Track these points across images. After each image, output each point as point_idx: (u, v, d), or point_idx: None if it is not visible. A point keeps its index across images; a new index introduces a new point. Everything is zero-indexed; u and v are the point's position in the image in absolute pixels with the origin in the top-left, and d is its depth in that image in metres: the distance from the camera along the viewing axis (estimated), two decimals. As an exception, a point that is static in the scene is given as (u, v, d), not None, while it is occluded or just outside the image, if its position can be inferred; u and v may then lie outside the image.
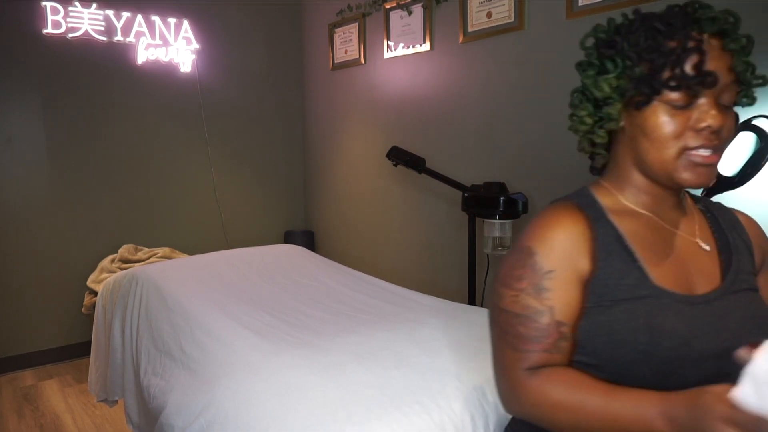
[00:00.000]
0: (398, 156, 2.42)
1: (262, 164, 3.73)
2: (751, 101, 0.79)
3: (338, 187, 3.63)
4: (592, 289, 0.79)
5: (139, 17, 3.13)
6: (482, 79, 2.60)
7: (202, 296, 1.75)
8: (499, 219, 2.18)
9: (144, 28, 3.16)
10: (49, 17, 2.87)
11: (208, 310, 1.63)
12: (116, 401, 2.02)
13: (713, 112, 0.75)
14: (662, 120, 0.77)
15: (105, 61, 3.07)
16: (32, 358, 3.00)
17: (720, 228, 0.87)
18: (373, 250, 3.38)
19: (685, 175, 0.78)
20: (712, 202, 0.92)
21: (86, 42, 3.00)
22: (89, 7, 2.97)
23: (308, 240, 3.80)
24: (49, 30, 2.88)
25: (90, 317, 2.62)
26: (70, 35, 2.94)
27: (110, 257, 3.07)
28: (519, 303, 0.79)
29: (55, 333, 3.05)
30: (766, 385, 0.59)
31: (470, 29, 2.60)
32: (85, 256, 3.08)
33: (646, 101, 0.78)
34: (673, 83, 0.75)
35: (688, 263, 0.81)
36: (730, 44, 0.76)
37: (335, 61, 3.51)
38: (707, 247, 0.83)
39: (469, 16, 2.60)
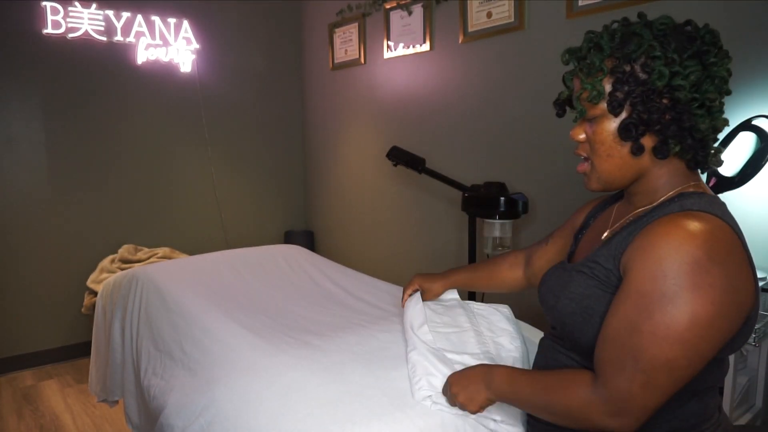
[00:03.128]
0: (398, 156, 2.42)
1: (262, 164, 3.73)
2: (580, 116, 0.90)
3: (338, 187, 3.63)
4: None
5: (139, 17, 3.13)
6: (482, 79, 2.60)
7: (202, 296, 1.75)
8: (499, 219, 2.18)
9: (144, 28, 3.16)
10: (49, 17, 2.87)
11: (208, 311, 1.63)
12: (116, 401, 2.02)
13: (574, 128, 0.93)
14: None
15: (105, 61, 3.07)
16: (32, 358, 3.00)
17: (625, 229, 0.89)
18: (373, 250, 3.38)
19: None
20: (668, 211, 0.83)
21: (86, 42, 3.00)
22: (89, 7, 2.97)
23: (308, 240, 3.80)
24: (49, 30, 2.88)
25: (90, 317, 2.62)
26: (70, 35, 2.94)
27: (110, 257, 3.07)
28: None
29: (55, 333, 3.05)
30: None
31: (470, 29, 2.61)
32: (85, 256, 3.08)
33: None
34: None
35: (593, 244, 0.98)
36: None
37: (335, 61, 3.51)
38: (603, 238, 0.96)
39: (469, 16, 2.60)
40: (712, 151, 0.86)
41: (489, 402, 0.98)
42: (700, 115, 0.81)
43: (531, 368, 1.12)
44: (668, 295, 0.73)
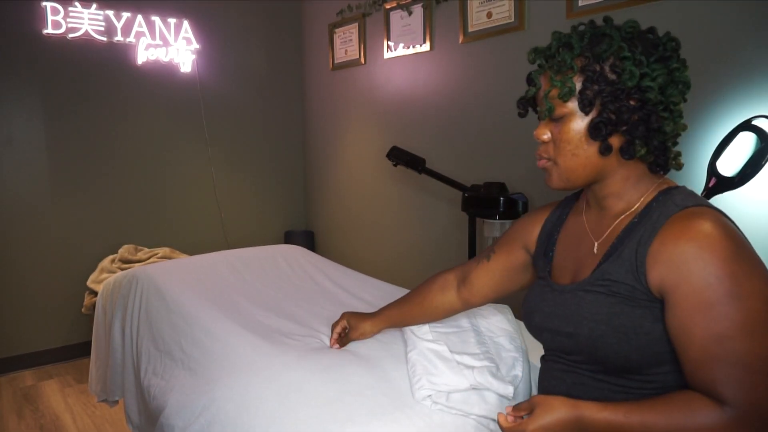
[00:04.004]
0: (398, 156, 2.42)
1: (262, 164, 3.73)
2: (547, 114, 0.89)
3: (338, 187, 3.63)
4: (532, 263, 1.09)
5: (139, 17, 3.13)
6: (482, 79, 2.60)
7: (202, 297, 1.75)
8: (499, 219, 2.18)
9: (144, 29, 3.16)
10: (49, 17, 2.87)
11: (208, 311, 1.63)
12: (116, 401, 2.02)
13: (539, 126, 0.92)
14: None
15: (105, 62, 3.07)
16: (32, 358, 3.00)
17: (626, 237, 0.87)
18: (373, 250, 3.38)
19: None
20: (668, 212, 0.83)
21: (86, 42, 3.00)
22: (89, 7, 2.97)
23: (308, 240, 3.80)
24: (49, 30, 2.88)
25: (90, 317, 2.62)
26: (70, 35, 2.94)
27: (110, 257, 3.07)
28: None
29: (55, 333, 3.05)
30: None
31: (470, 29, 2.61)
32: (85, 256, 3.08)
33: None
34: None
35: (581, 259, 0.95)
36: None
37: (335, 61, 3.51)
38: (596, 251, 0.92)
39: (469, 16, 2.60)
40: (672, 155, 0.88)
41: None
42: (666, 117, 0.84)
43: (537, 387, 1.07)
44: (731, 292, 0.74)
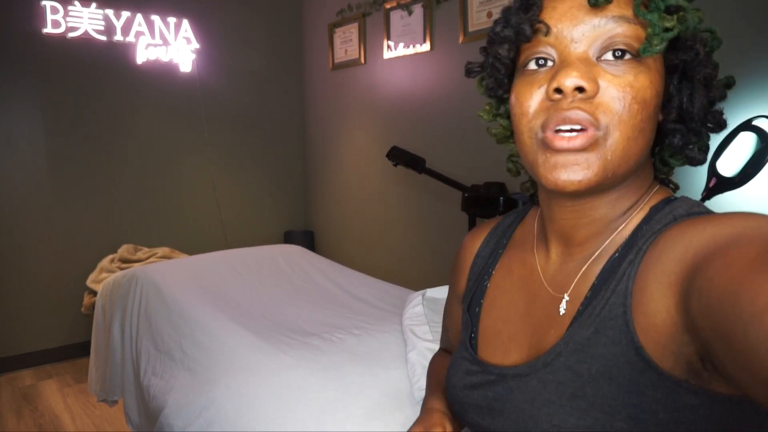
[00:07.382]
0: (398, 156, 2.42)
1: (261, 164, 3.73)
2: (652, 48, 0.50)
3: (338, 187, 3.63)
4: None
5: (139, 17, 3.13)
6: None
7: (201, 297, 1.75)
8: (499, 219, 2.18)
9: (144, 28, 3.15)
10: (49, 17, 2.87)
11: (208, 311, 1.63)
12: (116, 401, 2.02)
13: (567, 68, 0.50)
14: (516, 92, 0.57)
15: (105, 61, 3.07)
16: (32, 358, 2.99)
17: (609, 277, 0.53)
18: (373, 250, 3.38)
19: (541, 170, 0.52)
20: (660, 227, 0.52)
21: (86, 41, 3.00)
22: (89, 6, 2.97)
23: (308, 240, 3.80)
24: (48, 29, 2.87)
25: (90, 317, 2.62)
26: (70, 35, 2.94)
27: (110, 257, 3.07)
28: None
29: (54, 333, 3.05)
30: None
31: (470, 29, 2.60)
32: (85, 256, 3.07)
33: (501, 79, 0.63)
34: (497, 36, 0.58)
35: (536, 323, 0.59)
36: None
37: (335, 61, 3.50)
38: (563, 310, 0.56)
39: (469, 16, 2.60)
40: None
41: None
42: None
43: None
44: None
